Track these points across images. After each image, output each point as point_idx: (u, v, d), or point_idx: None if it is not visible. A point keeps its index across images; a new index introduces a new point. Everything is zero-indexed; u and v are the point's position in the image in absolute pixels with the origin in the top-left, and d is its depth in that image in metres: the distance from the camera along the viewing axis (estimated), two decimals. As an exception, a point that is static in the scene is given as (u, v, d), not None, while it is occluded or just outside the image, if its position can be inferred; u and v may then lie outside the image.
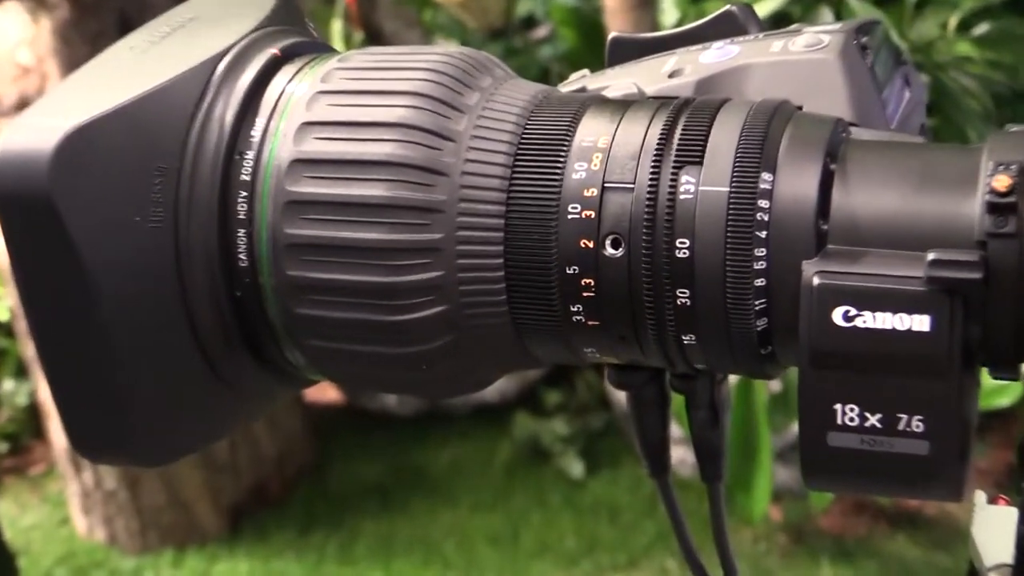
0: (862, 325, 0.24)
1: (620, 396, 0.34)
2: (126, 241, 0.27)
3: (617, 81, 0.31)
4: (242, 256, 0.29)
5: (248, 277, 0.29)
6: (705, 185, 0.26)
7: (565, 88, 0.33)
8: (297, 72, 0.30)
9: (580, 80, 0.33)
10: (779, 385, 1.42)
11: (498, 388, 1.85)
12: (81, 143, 0.26)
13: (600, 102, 0.29)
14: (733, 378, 0.32)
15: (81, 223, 0.26)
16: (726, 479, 0.33)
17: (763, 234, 0.26)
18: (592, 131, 0.28)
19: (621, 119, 0.28)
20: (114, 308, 0.27)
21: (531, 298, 0.28)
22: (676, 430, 1.14)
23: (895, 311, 0.24)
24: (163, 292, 0.28)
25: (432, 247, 0.28)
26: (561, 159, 0.28)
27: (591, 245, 0.27)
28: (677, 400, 0.33)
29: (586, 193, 0.27)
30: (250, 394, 0.31)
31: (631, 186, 0.27)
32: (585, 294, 0.28)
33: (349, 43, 1.95)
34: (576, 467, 1.77)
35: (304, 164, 0.28)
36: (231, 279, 0.29)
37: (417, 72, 0.29)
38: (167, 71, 0.28)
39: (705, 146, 0.27)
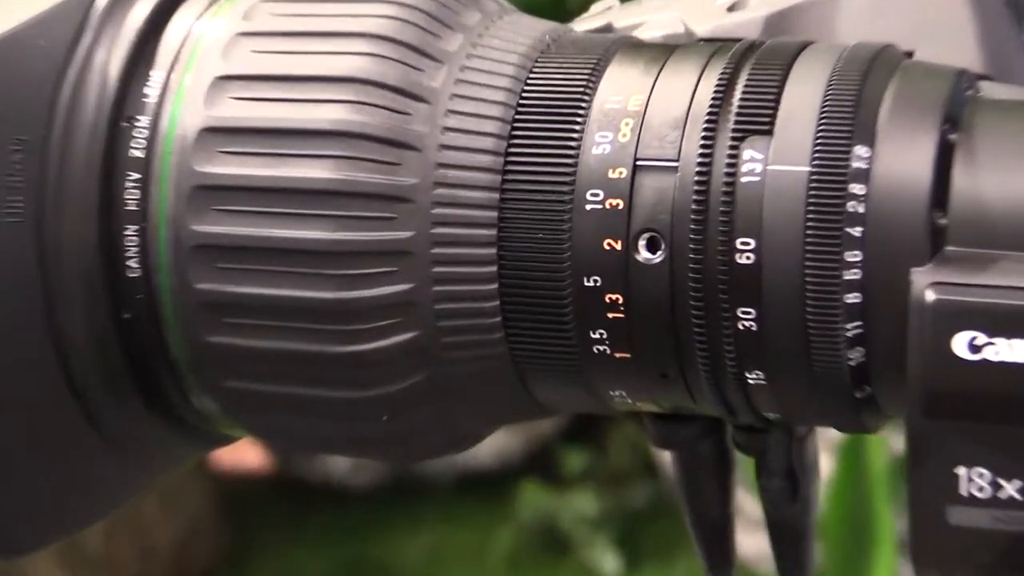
0: (994, 358, 0.25)
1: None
2: None
3: (656, 16, 0.32)
4: (132, 263, 0.29)
5: (141, 292, 0.30)
6: (776, 164, 0.27)
7: (582, 26, 0.33)
8: (209, 6, 0.31)
9: (604, 15, 0.34)
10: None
11: (495, 448, 1.84)
12: None
13: (631, 47, 0.30)
14: (833, 434, 0.32)
15: None
16: (817, 576, 0.34)
17: (857, 231, 0.26)
18: (620, 88, 0.29)
19: (660, 71, 0.29)
20: None
21: (535, 321, 0.29)
22: (752, 506, 1.13)
23: None
24: (23, 312, 0.29)
25: (398, 250, 0.28)
26: (577, 127, 0.29)
27: (619, 247, 0.28)
28: (749, 464, 0.33)
29: (611, 175, 0.28)
30: (142, 455, 0.32)
31: (674, 164, 0.28)
32: (610, 315, 0.28)
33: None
34: (609, 561, 1.77)
35: (219, 134, 0.29)
36: (117, 295, 0.30)
37: (376, 6, 0.30)
38: (27, 6, 0.29)
39: (776, 109, 0.27)
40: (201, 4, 0.31)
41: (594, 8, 0.35)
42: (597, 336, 0.29)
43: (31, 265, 0.29)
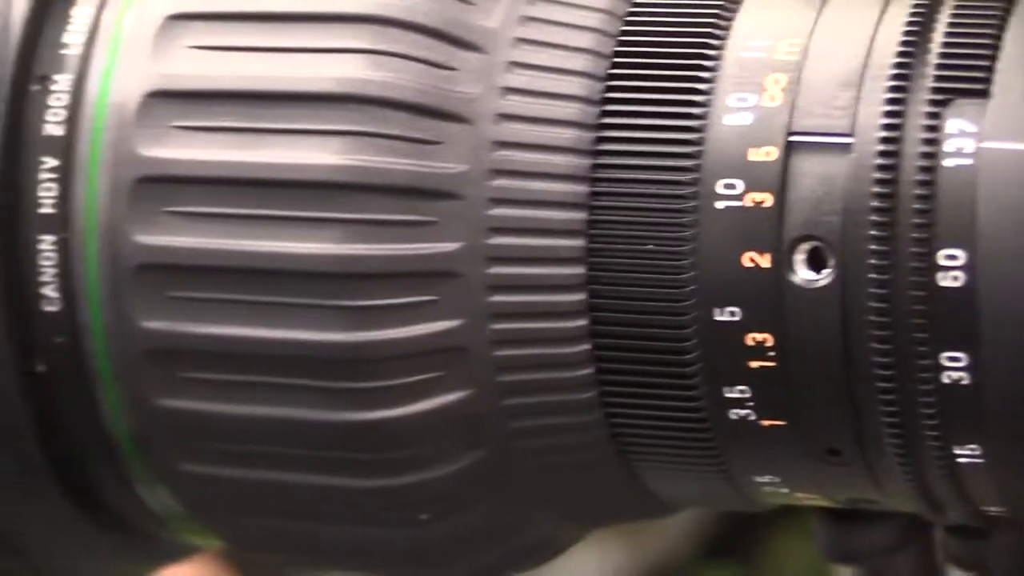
0: None
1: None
2: None
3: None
4: (49, 290, 0.27)
5: (61, 333, 0.27)
6: (996, 139, 0.24)
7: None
8: None
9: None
10: None
11: (593, 570, 1.79)
12: None
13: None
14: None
15: None
16: None
17: None
18: (765, 27, 0.27)
19: (825, 2, 0.26)
20: None
21: (644, 374, 0.26)
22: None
23: None
24: None
25: (438, 270, 0.26)
26: (701, 87, 0.26)
27: (766, 263, 0.25)
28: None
29: (754, 156, 0.25)
30: (63, 571, 0.30)
31: (846, 140, 0.25)
32: (755, 363, 0.26)
33: None
34: None
35: (174, 101, 0.27)
36: (26, 339, 0.27)
37: None
38: None
39: (995, 59, 0.25)
40: None
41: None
42: (736, 395, 0.26)
43: None
